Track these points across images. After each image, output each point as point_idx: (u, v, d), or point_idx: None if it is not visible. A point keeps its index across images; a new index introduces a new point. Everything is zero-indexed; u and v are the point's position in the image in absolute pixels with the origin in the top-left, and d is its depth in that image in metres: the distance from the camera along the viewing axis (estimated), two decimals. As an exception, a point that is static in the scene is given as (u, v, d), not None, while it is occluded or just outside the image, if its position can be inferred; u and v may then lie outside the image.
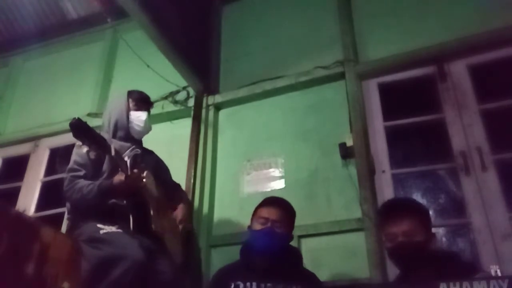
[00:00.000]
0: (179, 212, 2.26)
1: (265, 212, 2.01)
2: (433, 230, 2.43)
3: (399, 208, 1.85)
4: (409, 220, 1.75)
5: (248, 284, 1.84)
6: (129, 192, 1.93)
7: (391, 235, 1.77)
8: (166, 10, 2.92)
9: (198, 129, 3.14)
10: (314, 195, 2.66)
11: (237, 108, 3.23)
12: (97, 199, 1.91)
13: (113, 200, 1.96)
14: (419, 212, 1.81)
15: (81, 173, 2.01)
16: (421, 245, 1.72)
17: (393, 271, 2.20)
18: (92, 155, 1.89)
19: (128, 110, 2.27)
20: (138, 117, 2.27)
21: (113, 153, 1.84)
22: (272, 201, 2.09)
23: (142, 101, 2.33)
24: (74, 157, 2.07)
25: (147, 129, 2.31)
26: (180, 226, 2.21)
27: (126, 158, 1.95)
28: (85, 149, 1.74)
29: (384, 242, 1.86)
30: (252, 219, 2.06)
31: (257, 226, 1.99)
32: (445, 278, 1.41)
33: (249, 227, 2.07)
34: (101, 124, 2.34)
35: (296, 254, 2.11)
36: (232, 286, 1.87)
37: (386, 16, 3.04)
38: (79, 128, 1.68)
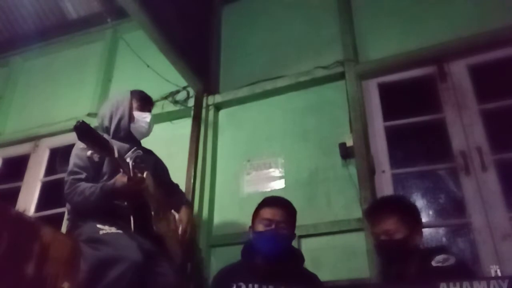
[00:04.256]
0: (183, 216, 2.23)
1: (269, 213, 2.00)
2: (433, 230, 2.47)
3: (380, 208, 1.92)
4: (389, 219, 1.82)
5: (250, 285, 1.83)
6: (131, 194, 1.91)
7: (375, 234, 1.87)
8: (166, 10, 2.92)
9: (198, 129, 3.14)
10: (314, 195, 2.66)
11: (237, 108, 3.23)
12: (100, 201, 1.89)
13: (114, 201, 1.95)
14: (399, 210, 1.85)
15: (82, 176, 1.98)
16: (402, 242, 1.77)
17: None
18: (96, 157, 1.87)
19: (131, 110, 2.24)
20: (144, 118, 2.25)
21: (116, 155, 1.83)
22: (275, 201, 2.07)
23: (145, 101, 2.30)
24: (74, 159, 2.03)
25: (150, 130, 2.29)
26: (184, 228, 2.18)
27: (128, 160, 1.93)
28: (89, 152, 1.73)
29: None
30: (254, 220, 2.05)
31: (261, 228, 1.98)
32: (430, 272, 1.45)
33: (251, 227, 2.05)
34: (97, 123, 2.30)
35: (298, 255, 2.10)
36: (234, 287, 1.86)
37: (386, 16, 3.04)
38: (84, 131, 1.65)
